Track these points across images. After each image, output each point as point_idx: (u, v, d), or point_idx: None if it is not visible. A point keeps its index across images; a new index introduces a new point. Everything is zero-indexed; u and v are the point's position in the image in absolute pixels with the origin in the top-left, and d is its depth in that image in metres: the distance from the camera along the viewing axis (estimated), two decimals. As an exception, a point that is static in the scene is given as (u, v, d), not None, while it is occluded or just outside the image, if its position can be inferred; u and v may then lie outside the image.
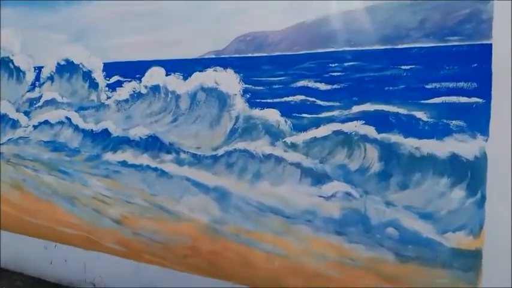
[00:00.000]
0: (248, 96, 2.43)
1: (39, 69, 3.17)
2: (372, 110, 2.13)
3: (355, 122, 2.17)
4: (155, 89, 2.73)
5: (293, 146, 2.33)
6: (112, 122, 2.89)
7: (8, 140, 3.34)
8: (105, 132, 2.92)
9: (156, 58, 2.70)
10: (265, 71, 2.38)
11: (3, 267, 3.40)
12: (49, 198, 3.18)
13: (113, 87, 2.87)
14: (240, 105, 2.46)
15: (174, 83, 2.66)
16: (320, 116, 2.26)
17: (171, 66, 2.66)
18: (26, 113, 3.25)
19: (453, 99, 1.96)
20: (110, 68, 2.88)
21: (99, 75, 2.92)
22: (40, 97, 3.17)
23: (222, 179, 2.52)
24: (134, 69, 2.78)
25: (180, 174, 2.65)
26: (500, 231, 1.89)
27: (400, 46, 2.06)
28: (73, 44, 3.00)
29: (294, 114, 2.32)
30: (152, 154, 2.75)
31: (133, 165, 2.82)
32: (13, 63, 3.29)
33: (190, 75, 2.60)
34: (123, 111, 2.85)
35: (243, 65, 2.44)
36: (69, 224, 3.10)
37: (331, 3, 2.18)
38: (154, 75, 2.72)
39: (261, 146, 2.41)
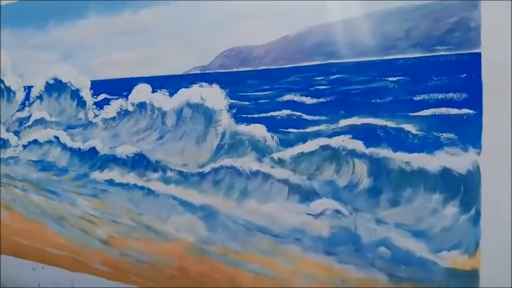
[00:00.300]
0: (234, 111, 2.37)
1: (28, 89, 3.16)
2: (359, 123, 2.06)
3: (342, 136, 2.09)
4: (142, 106, 2.68)
5: (280, 162, 2.25)
6: (99, 140, 2.84)
7: (-2, 160, 3.31)
8: (93, 150, 2.87)
9: (143, 75, 2.67)
10: (251, 85, 2.33)
11: (-9, 291, 3.32)
12: (38, 219, 3.12)
13: (100, 105, 2.84)
14: (226, 120, 2.40)
15: (161, 99, 2.61)
16: (307, 130, 2.18)
17: (158, 82, 2.62)
18: (16, 133, 3.23)
19: (443, 110, 1.88)
20: (97, 86, 2.85)
21: (86, 94, 2.89)
22: (29, 116, 3.15)
23: (209, 197, 2.45)
24: (121, 87, 2.75)
25: (167, 193, 2.58)
26: (497, 250, 1.77)
27: (386, 57, 2.00)
28: (61, 63, 2.99)
29: (281, 129, 2.25)
30: (139, 172, 2.69)
31: (120, 184, 2.76)
32: (4, 84, 3.28)
33: (176, 92, 2.56)
34: (110, 129, 2.80)
35: (228, 80, 2.40)
36: (57, 244, 3.02)
37: (313, 16, 2.14)
38: (141, 92, 2.68)
39: (247, 162, 2.34)
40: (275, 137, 2.26)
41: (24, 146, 3.18)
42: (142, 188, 2.67)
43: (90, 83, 2.88)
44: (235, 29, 2.36)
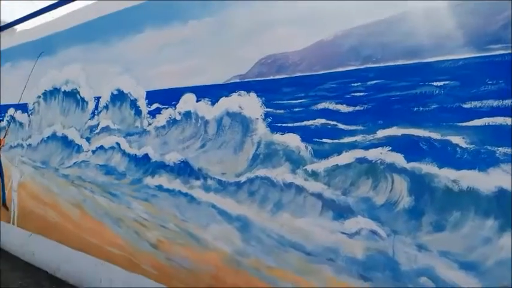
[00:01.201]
0: (269, 120, 2.30)
1: (97, 99, 3.46)
2: (399, 134, 1.83)
3: (380, 148, 1.89)
4: (187, 115, 2.76)
5: (314, 175, 2.11)
6: (151, 147, 2.99)
7: (74, 163, 3.69)
8: (146, 157, 3.03)
9: (189, 85, 2.74)
10: (286, 93, 2.24)
11: (63, 280, 3.69)
12: (101, 219, 3.38)
13: (153, 114, 2.99)
14: (261, 130, 2.33)
15: (204, 108, 2.65)
16: (342, 141, 2.01)
17: (201, 92, 2.67)
18: (87, 139, 3.56)
19: (499, 120, 1.58)
20: (151, 96, 3.01)
21: (142, 103, 3.07)
22: (98, 124, 3.45)
23: (244, 208, 2.40)
24: (170, 97, 2.86)
25: (207, 201, 2.60)
26: None
27: (430, 59, 1.75)
28: (123, 75, 3.23)
29: (315, 139, 2.11)
30: (183, 179, 2.75)
31: (167, 190, 2.86)
32: (79, 94, 3.65)
33: (217, 101, 2.57)
34: (160, 137, 2.93)
35: (264, 88, 2.33)
36: (116, 244, 3.24)
37: (349, 18, 1.97)
38: (187, 102, 2.76)
39: (281, 173, 2.24)
40: (309, 148, 2.13)
41: (93, 151, 3.50)
42: (186, 194, 2.73)
43: (145, 93, 3.05)
44: (271, 36, 2.29)
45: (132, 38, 3.14)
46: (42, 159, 4.08)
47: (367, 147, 1.93)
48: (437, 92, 1.72)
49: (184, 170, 2.76)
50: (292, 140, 2.19)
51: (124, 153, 3.22)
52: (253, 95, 2.38)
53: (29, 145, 4.27)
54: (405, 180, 1.81)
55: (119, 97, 3.28)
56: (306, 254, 2.13)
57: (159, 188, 2.92)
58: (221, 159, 2.54)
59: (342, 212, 2.01)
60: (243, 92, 2.44)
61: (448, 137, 1.69)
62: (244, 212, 2.40)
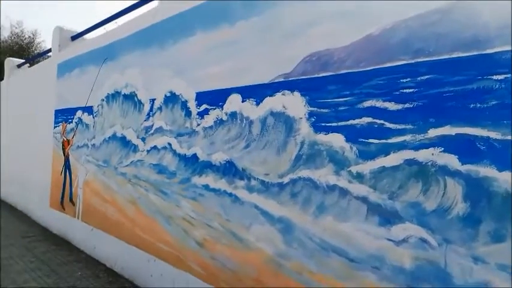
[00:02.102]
0: (313, 120, 2.23)
1: (152, 101, 3.62)
2: (453, 134, 1.67)
3: (431, 149, 1.73)
4: (233, 115, 2.77)
5: (359, 177, 2.00)
6: (200, 147, 3.05)
7: (131, 162, 3.89)
8: (194, 157, 3.10)
9: (235, 85, 2.76)
10: (331, 91, 2.15)
11: (120, 274, 3.88)
12: (153, 216, 3.52)
13: (201, 115, 3.05)
14: (305, 129, 2.27)
15: (248, 108, 2.65)
16: (389, 141, 1.88)
17: (247, 92, 2.67)
18: (143, 139, 3.73)
19: None
20: (201, 97, 3.08)
21: (192, 104, 3.15)
22: (152, 125, 3.61)
23: (287, 209, 2.34)
24: (218, 97, 2.90)
25: (250, 201, 2.58)
26: None
27: (489, 51, 1.57)
28: (175, 78, 3.34)
29: (360, 140, 2.00)
30: (228, 179, 2.77)
31: (213, 189, 2.89)
32: (137, 97, 3.85)
33: (262, 101, 2.56)
34: (208, 137, 2.98)
35: (308, 86, 2.27)
36: (166, 241, 3.35)
37: (399, 8, 1.84)
38: (233, 102, 2.77)
39: (325, 175, 2.15)
40: (354, 148, 2.02)
41: (148, 151, 3.66)
42: (230, 194, 2.74)
43: (195, 94, 3.13)
44: (316, 33, 2.23)
45: (184, 41, 3.24)
46: (104, 158, 4.36)
47: (417, 148, 1.78)
48: (497, 86, 1.54)
49: (229, 170, 2.77)
50: (337, 140, 2.10)
51: (175, 153, 3.32)
52: (297, 94, 2.33)
53: (93, 145, 4.59)
54: (460, 185, 1.64)
55: (171, 99, 3.40)
56: (349, 260, 2.02)
57: (206, 187, 2.96)
58: (264, 159, 2.51)
59: (388, 218, 1.87)
60: (287, 92, 2.39)
61: (509, 137, 1.50)
62: (287, 213, 2.34)
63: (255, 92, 2.61)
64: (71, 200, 5.03)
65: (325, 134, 2.16)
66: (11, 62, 8.27)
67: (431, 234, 1.72)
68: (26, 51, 10.16)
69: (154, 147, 3.57)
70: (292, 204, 2.31)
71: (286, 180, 2.36)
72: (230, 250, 2.72)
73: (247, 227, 2.60)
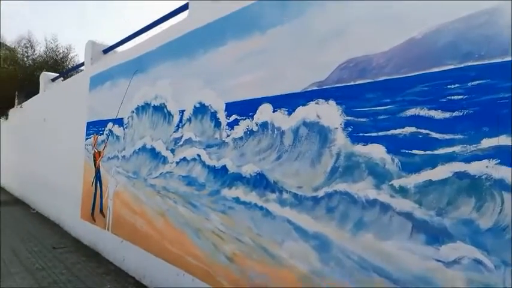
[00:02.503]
0: (350, 129, 2.10)
1: (182, 113, 3.59)
2: (510, 144, 1.50)
3: (485, 161, 1.57)
4: (264, 125, 2.68)
5: (402, 191, 1.85)
6: (229, 159, 2.98)
7: (160, 174, 3.86)
8: (224, 168, 3.02)
9: (266, 95, 2.68)
10: (369, 99, 2.02)
11: (148, 287, 3.84)
12: (182, 229, 3.46)
13: (231, 125, 2.98)
14: (341, 140, 2.15)
15: (280, 118, 2.55)
16: (436, 152, 1.73)
17: (278, 102, 2.58)
18: (172, 151, 3.70)
19: None
20: (230, 108, 3.01)
21: (222, 115, 3.09)
22: (181, 137, 3.58)
23: (322, 225, 2.21)
24: (248, 108, 2.82)
25: (282, 216, 2.47)
26: None
27: (553, 51, 1.41)
28: (205, 88, 3.30)
29: (403, 151, 1.86)
30: (259, 192, 2.67)
31: (243, 202, 2.80)
32: (166, 109, 3.84)
33: (294, 110, 2.46)
34: (238, 148, 2.90)
35: (344, 95, 2.15)
36: (195, 255, 3.27)
37: (445, 10, 1.71)
38: (264, 112, 2.69)
39: (364, 188, 2.02)
40: (396, 160, 1.88)
41: (177, 163, 3.62)
42: (261, 208, 2.64)
43: (224, 105, 3.07)
44: (352, 38, 2.11)
45: (215, 51, 3.20)
46: (133, 169, 4.37)
47: (468, 160, 1.62)
48: None
49: (260, 182, 2.67)
50: (377, 151, 1.96)
51: (204, 164, 3.26)
52: (332, 102, 2.22)
53: (123, 156, 4.61)
54: (520, 201, 1.47)
55: (200, 110, 3.36)
56: (391, 281, 1.86)
57: (236, 200, 2.87)
58: (297, 171, 2.40)
59: (436, 236, 1.71)
60: (321, 100, 2.28)
61: None
62: (322, 229, 2.21)
63: (287, 102, 2.51)
64: (101, 211, 5.07)
65: (364, 145, 2.02)
66: (45, 76, 8.58)
67: (487, 256, 1.55)
68: (60, 65, 10.55)
69: (184, 159, 3.53)
70: (328, 219, 2.18)
71: (321, 193, 2.24)
72: (261, 266, 2.61)
73: (279, 242, 2.48)
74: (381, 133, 1.95)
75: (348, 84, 2.13)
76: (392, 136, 1.90)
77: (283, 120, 2.53)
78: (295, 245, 2.37)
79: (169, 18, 4.30)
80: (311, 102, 2.34)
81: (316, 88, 2.31)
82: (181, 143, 3.58)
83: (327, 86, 2.25)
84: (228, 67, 3.05)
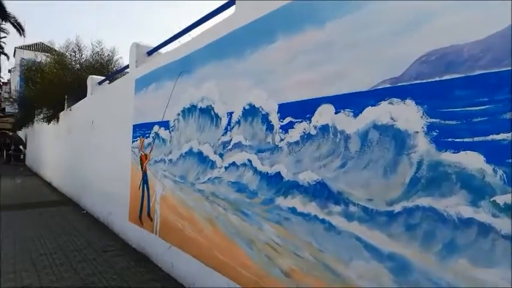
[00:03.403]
0: (435, 134, 1.78)
1: (230, 115, 3.39)
2: None
3: None
4: (324, 129, 2.40)
5: (508, 209, 1.51)
6: (284, 165, 2.73)
7: (208, 179, 3.69)
8: (278, 175, 2.78)
9: (326, 94, 2.40)
10: (460, 98, 1.69)
11: (198, 297, 3.69)
12: (233, 237, 3.26)
13: (285, 128, 2.73)
14: (423, 146, 1.83)
15: (344, 121, 2.27)
16: (558, 164, 1.38)
17: (341, 102, 2.29)
18: (220, 155, 3.51)
19: None
20: (284, 109, 2.76)
21: (274, 117, 2.85)
22: (230, 140, 3.37)
23: (400, 245, 1.90)
24: (305, 109, 2.56)
25: (349, 231, 2.18)
26: None
27: None
28: (255, 89, 3.07)
29: (509, 161, 1.51)
30: (320, 203, 2.40)
31: (301, 214, 2.54)
32: (213, 111, 3.65)
33: (361, 111, 2.16)
34: (293, 154, 2.64)
35: (427, 93, 1.82)
36: (246, 266, 3.06)
37: None
38: (324, 114, 2.41)
39: (455, 205, 1.69)
40: (499, 172, 1.54)
41: (226, 168, 3.43)
42: (323, 221, 2.37)
43: (277, 106, 2.82)
44: (435, 26, 1.78)
45: (265, 48, 2.96)
46: (180, 173, 4.24)
47: None
48: None
49: (320, 192, 2.40)
50: (472, 161, 1.63)
51: (255, 170, 3.03)
52: (410, 102, 1.90)
53: (170, 160, 4.50)
54: None
55: (250, 112, 3.13)
56: (496, 319, 1.53)
57: (292, 210, 2.62)
58: (367, 181, 2.10)
59: (560, 268, 1.37)
60: (395, 100, 1.97)
61: None
62: (400, 250, 1.90)
63: (352, 102, 2.22)
64: (148, 215, 5.01)
65: (454, 153, 1.70)
66: (92, 79, 8.77)
67: None
68: (105, 68, 10.80)
69: (233, 164, 3.32)
70: (407, 239, 1.87)
71: (397, 208, 1.93)
72: (323, 285, 2.34)
73: (346, 261, 2.20)
74: (477, 138, 1.62)
75: (431, 80, 1.81)
76: (494, 142, 1.56)
77: (347, 123, 2.24)
78: (365, 264, 2.08)
79: (214, 16, 4.11)
80: (383, 101, 2.03)
81: (389, 85, 2.00)
82: (230, 147, 3.38)
83: (403, 83, 1.93)
84: (281, 65, 2.79)
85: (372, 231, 2.05)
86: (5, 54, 32.09)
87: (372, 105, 2.09)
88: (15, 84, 31.92)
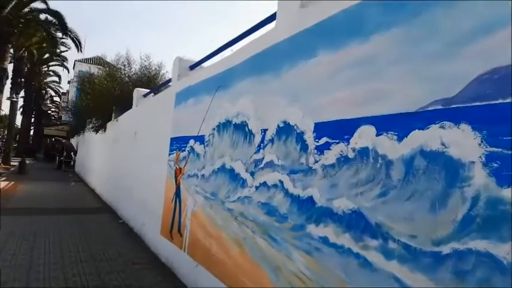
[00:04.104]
0: (495, 166, 1.50)
1: (264, 132, 3.23)
2: None
3: None
4: (363, 152, 2.17)
5: None
6: (317, 189, 2.50)
7: (238, 198, 3.52)
8: (310, 200, 2.56)
9: (367, 114, 2.17)
10: (529, 125, 1.41)
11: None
12: (259, 262, 3.04)
13: (320, 149, 2.52)
14: (480, 179, 1.55)
15: (386, 144, 2.02)
16: None
17: (384, 123, 2.06)
18: (252, 174, 3.34)
19: None
20: (320, 129, 2.56)
21: (309, 137, 2.65)
22: (262, 159, 3.20)
23: (448, 294, 1.61)
24: (343, 129, 2.34)
25: (387, 270, 1.91)
26: None
27: None
28: (290, 106, 2.90)
29: None
30: (355, 235, 2.14)
31: (333, 245, 2.29)
32: (248, 127, 3.51)
33: (406, 135, 1.91)
34: (328, 177, 2.42)
35: (486, 117, 1.56)
36: (272, 296, 2.83)
37: None
38: (364, 136, 2.18)
39: (519, 252, 1.39)
40: None
41: (256, 187, 3.25)
42: (357, 256, 2.11)
43: (313, 125, 2.62)
44: (501, 38, 1.53)
45: (303, 64, 2.79)
46: (211, 190, 4.11)
47: None
48: None
49: (356, 222, 2.15)
50: (543, 201, 1.34)
51: (287, 193, 2.83)
52: (465, 127, 1.63)
53: (203, 175, 4.40)
54: None
55: (285, 130, 2.95)
56: None
57: (324, 240, 2.38)
58: (410, 215, 1.83)
59: None
60: (448, 123, 1.71)
61: None
62: (448, 300, 1.61)
63: (396, 123, 1.98)
64: (179, 230, 4.92)
65: (520, 190, 1.41)
66: (138, 92, 9.02)
67: None
68: (152, 82, 11.12)
69: (264, 184, 3.14)
70: (457, 285, 1.58)
71: (446, 249, 1.65)
72: (356, 330, 2.06)
73: (381, 304, 1.92)
74: (551, 174, 1.33)
75: (493, 102, 1.54)
76: None
77: (390, 147, 1.99)
78: (404, 312, 1.80)
79: (256, 31, 4.02)
80: (432, 125, 1.78)
81: (441, 107, 1.75)
82: (262, 165, 3.21)
83: (458, 105, 1.68)
84: (319, 81, 2.61)
85: (414, 274, 1.77)
86: (66, 67, 34.41)
87: (419, 129, 1.84)
88: (72, 95, 34.13)
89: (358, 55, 2.29)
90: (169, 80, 6.88)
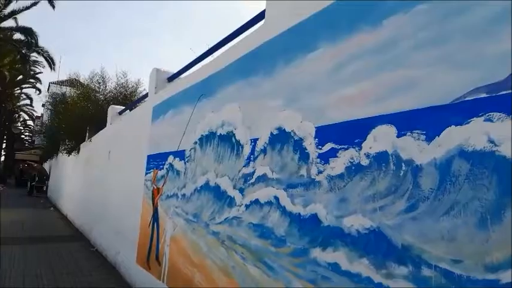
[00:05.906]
0: None
1: (254, 142, 2.83)
2: None
3: None
4: (381, 158, 1.79)
5: None
6: (323, 205, 2.10)
7: (225, 219, 3.07)
8: (314, 218, 2.14)
9: (384, 112, 1.81)
10: None
11: None
12: (253, 296, 2.58)
13: (325, 158, 2.13)
14: (551, 184, 1.18)
15: (411, 147, 1.65)
16: None
17: (406, 121, 1.69)
18: (241, 190, 2.91)
19: None
20: (323, 133, 2.18)
21: (310, 144, 2.26)
22: (253, 173, 2.78)
23: (514, 338, 1.21)
24: (353, 132, 1.97)
25: (422, 305, 1.50)
26: None
27: None
28: (286, 109, 2.52)
29: None
30: (375, 260, 1.74)
31: (347, 273, 1.88)
32: (235, 137, 3.11)
33: (438, 134, 1.55)
34: (336, 190, 2.02)
35: (554, 102, 1.21)
36: (269, 337, 2.36)
37: None
38: (380, 138, 1.81)
39: None
40: None
41: (247, 206, 2.82)
42: (379, 286, 1.70)
43: (314, 130, 2.24)
44: None
45: (301, 59, 2.43)
46: (193, 211, 3.64)
47: None
48: None
49: (376, 245, 1.75)
50: None
51: (284, 211, 2.41)
52: (523, 117, 1.28)
53: (183, 195, 3.93)
54: None
55: (279, 137, 2.56)
56: None
57: (334, 267, 1.96)
58: (450, 234, 1.45)
59: None
60: (496, 115, 1.36)
61: None
62: None
63: (423, 120, 1.62)
64: (157, 258, 4.38)
65: None
66: (113, 109, 8.52)
67: None
68: (129, 100, 10.62)
69: (256, 202, 2.71)
70: (528, 329, 1.19)
71: (505, 278, 1.26)
72: None
73: None
74: None
75: (562, 83, 1.20)
76: None
77: (417, 150, 1.62)
78: None
79: (242, 33, 3.66)
80: (475, 118, 1.42)
81: (486, 95, 1.40)
82: (252, 180, 2.79)
83: (508, 91, 1.33)
84: (321, 79, 2.25)
85: (462, 310, 1.37)
86: (38, 89, 33.28)
87: (456, 124, 1.48)
88: (46, 118, 32.92)
89: (368, 43, 1.94)
90: (146, 95, 6.43)
